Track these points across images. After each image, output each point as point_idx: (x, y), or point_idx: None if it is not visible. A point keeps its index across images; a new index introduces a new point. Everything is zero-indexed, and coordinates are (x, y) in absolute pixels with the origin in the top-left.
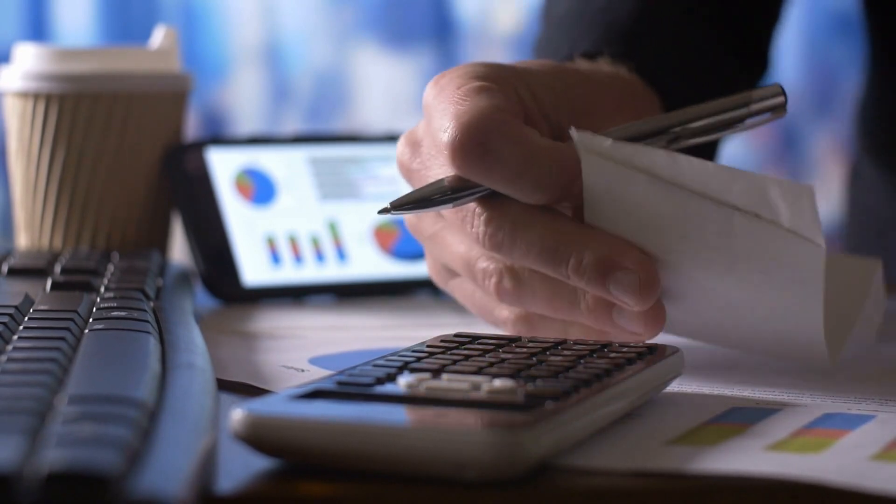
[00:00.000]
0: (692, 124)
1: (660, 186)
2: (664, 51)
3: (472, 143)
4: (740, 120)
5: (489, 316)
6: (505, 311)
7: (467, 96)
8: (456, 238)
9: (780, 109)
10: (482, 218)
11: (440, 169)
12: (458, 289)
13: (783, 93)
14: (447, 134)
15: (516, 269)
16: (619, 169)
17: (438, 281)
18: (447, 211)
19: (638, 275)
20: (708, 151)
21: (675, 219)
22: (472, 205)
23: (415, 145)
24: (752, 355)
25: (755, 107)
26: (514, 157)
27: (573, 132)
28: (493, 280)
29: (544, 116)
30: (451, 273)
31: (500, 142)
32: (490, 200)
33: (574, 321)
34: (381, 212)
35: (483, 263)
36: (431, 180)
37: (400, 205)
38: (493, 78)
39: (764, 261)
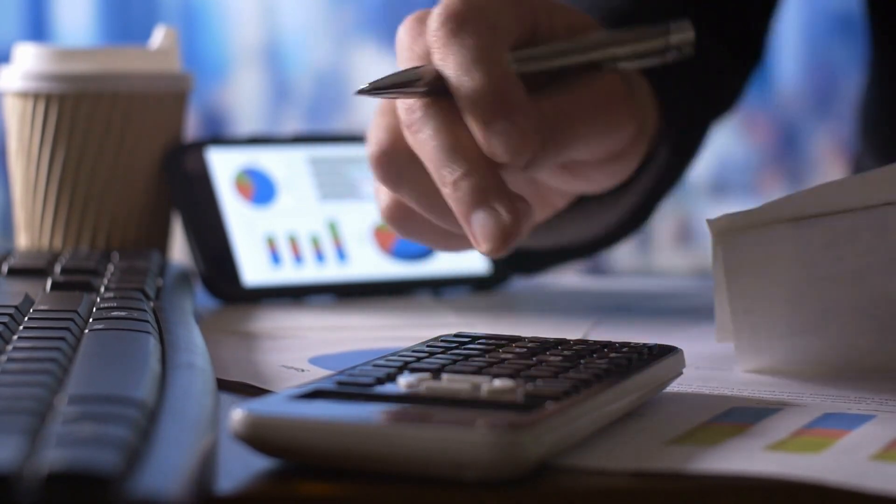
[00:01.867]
0: (615, 50)
1: (800, 225)
2: None
3: (450, 14)
4: (659, 52)
5: (377, 198)
6: (383, 196)
7: None
8: (383, 119)
9: (688, 47)
10: (418, 98)
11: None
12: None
13: (692, 29)
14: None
15: (407, 156)
16: (756, 232)
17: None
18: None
19: (504, 221)
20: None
21: (824, 246)
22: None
23: (421, 24)
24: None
25: (673, 39)
26: (481, 41)
27: (708, 221)
28: (382, 155)
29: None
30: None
31: (473, 25)
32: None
33: (436, 229)
34: (359, 92)
35: (385, 139)
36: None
37: (376, 87)
38: None
39: None
